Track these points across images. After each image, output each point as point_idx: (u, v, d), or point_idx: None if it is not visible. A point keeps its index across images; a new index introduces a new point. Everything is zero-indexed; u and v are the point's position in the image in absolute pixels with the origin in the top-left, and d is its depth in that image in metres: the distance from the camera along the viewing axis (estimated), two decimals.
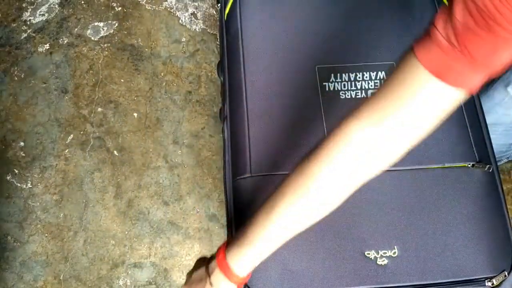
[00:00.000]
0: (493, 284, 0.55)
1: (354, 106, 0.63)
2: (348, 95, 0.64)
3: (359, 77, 0.65)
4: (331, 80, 0.65)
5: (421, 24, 0.69)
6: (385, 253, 0.56)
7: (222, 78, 0.74)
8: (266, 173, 0.60)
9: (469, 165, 0.60)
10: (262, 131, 0.63)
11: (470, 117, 0.64)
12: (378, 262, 0.56)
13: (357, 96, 0.64)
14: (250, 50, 0.67)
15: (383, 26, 0.69)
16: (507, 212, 0.60)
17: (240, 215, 0.60)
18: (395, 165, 0.59)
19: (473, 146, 0.62)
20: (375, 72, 0.65)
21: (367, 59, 0.66)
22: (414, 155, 0.60)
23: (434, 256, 0.56)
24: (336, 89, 0.65)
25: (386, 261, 0.56)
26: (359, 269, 0.55)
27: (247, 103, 0.64)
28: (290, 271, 0.56)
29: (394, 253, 0.56)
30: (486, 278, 0.55)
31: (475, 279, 0.55)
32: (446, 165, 0.60)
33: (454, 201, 0.58)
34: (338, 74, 0.65)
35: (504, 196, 0.61)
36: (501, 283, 0.55)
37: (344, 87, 0.65)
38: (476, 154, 0.61)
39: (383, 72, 0.65)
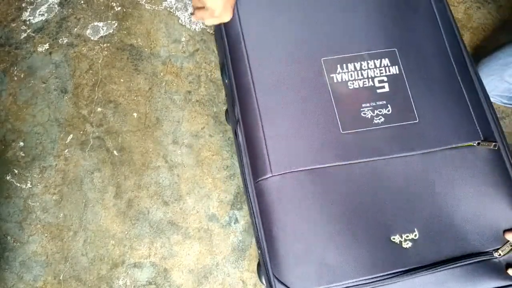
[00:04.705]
0: (499, 254, 0.58)
1: (362, 95, 0.64)
2: (356, 85, 0.66)
3: (365, 66, 0.66)
4: (337, 71, 0.66)
5: (415, 12, 0.71)
6: (408, 236, 0.58)
7: (227, 81, 0.74)
8: (287, 171, 0.61)
9: (474, 144, 0.62)
10: (277, 129, 0.64)
11: (470, 96, 0.65)
12: (403, 246, 0.58)
13: (365, 85, 0.66)
14: (254, 50, 0.68)
15: (381, 15, 0.70)
16: None
17: (267, 215, 0.61)
18: (406, 150, 0.61)
19: (476, 124, 0.64)
20: (379, 60, 0.67)
21: (369, 48, 0.67)
22: (423, 139, 0.63)
23: (448, 235, 0.59)
24: (343, 79, 0.66)
25: (409, 244, 0.58)
26: (388, 254, 0.58)
27: (258, 103, 0.65)
28: (326, 265, 0.57)
29: (415, 235, 0.59)
30: (494, 250, 0.59)
31: (483, 252, 0.58)
32: (454, 145, 0.62)
33: (463, 180, 0.61)
34: (344, 65, 0.67)
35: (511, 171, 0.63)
36: (508, 252, 0.59)
37: (351, 77, 0.66)
38: (480, 132, 0.63)
39: (386, 59, 0.67)
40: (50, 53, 1.10)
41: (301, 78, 0.66)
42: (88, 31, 1.13)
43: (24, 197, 0.99)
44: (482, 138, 0.63)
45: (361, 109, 0.64)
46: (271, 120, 0.64)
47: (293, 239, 0.59)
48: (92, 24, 1.13)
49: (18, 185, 1.00)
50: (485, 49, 1.14)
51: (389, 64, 0.66)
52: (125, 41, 1.11)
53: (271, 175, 0.61)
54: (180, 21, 1.14)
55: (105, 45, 1.11)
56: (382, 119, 0.63)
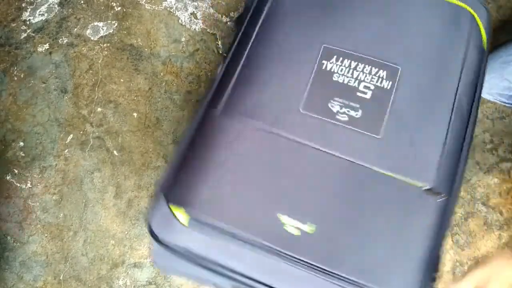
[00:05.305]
0: None
1: (340, 90, 0.64)
2: (340, 80, 0.65)
3: (359, 68, 0.65)
4: (331, 61, 0.66)
5: (442, 40, 0.68)
6: (297, 224, 0.58)
7: (237, 29, 0.77)
8: (235, 114, 0.64)
9: (423, 188, 0.59)
10: (248, 80, 0.67)
11: (450, 147, 0.62)
12: (286, 228, 0.57)
13: (349, 84, 0.65)
14: (274, 11, 0.71)
15: (401, 29, 0.68)
16: (442, 249, 0.58)
17: (195, 144, 0.65)
18: (352, 156, 0.60)
19: (438, 171, 0.60)
20: (376, 69, 0.65)
21: (374, 54, 0.66)
22: (375, 155, 0.60)
23: (346, 250, 0.57)
24: (332, 70, 0.66)
25: (295, 232, 0.57)
26: (269, 226, 0.58)
27: (249, 50, 0.68)
28: (217, 195, 0.60)
29: (308, 228, 0.57)
30: None
31: (359, 285, 0.55)
32: (398, 176, 0.59)
33: (391, 214, 0.58)
34: (341, 58, 0.66)
35: (446, 231, 0.59)
36: None
37: (341, 71, 0.66)
38: (435, 179, 0.59)
39: (384, 72, 0.65)
40: (50, 53, 1.10)
41: (294, 52, 0.67)
42: (88, 31, 1.13)
43: (24, 197, 0.99)
44: (432, 186, 0.59)
45: (331, 101, 0.64)
46: (249, 71, 0.67)
47: (203, 169, 0.62)
48: (92, 24, 1.13)
49: (18, 185, 1.00)
50: None
51: (384, 77, 0.65)
52: (125, 41, 1.11)
53: (221, 111, 0.65)
54: (180, 21, 1.14)
55: (105, 45, 1.11)
56: (346, 118, 0.63)
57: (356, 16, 0.69)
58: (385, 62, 0.65)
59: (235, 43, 0.71)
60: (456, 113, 0.64)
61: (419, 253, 0.57)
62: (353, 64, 0.66)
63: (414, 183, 0.59)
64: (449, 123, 0.63)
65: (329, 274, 0.56)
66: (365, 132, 0.62)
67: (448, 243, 0.92)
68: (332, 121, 0.62)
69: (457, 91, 0.65)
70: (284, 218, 0.58)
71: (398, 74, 0.65)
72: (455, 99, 0.64)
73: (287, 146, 0.62)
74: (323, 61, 0.66)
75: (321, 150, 0.61)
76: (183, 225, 0.60)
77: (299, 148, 0.62)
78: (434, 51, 0.67)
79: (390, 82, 0.64)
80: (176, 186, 0.63)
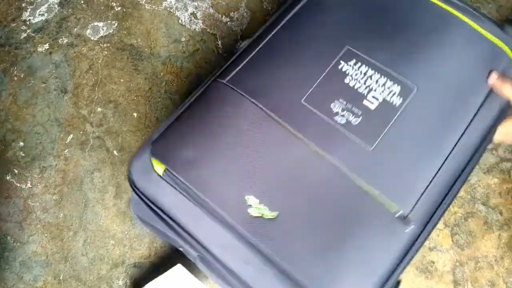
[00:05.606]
0: None
1: (347, 93, 0.64)
2: (351, 84, 0.64)
3: (374, 77, 0.64)
4: (348, 63, 0.65)
5: (468, 74, 0.65)
6: (260, 209, 0.57)
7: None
8: (238, 89, 0.65)
9: (397, 212, 0.58)
10: (264, 59, 0.67)
11: (439, 180, 0.60)
12: (249, 211, 0.57)
13: (358, 89, 0.64)
14: (310, 3, 0.72)
15: (431, 52, 0.66)
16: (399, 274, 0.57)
17: (195, 109, 0.67)
18: (339, 160, 0.59)
19: (418, 201, 0.58)
20: (391, 82, 0.64)
21: (394, 68, 0.65)
22: (361, 165, 0.59)
23: (298, 246, 0.56)
24: (346, 72, 0.65)
25: (257, 215, 0.57)
26: (234, 206, 0.58)
27: (274, 33, 0.70)
28: (197, 160, 0.60)
29: (273, 216, 0.57)
30: None
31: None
32: (376, 193, 0.58)
33: (358, 227, 0.57)
34: (359, 63, 0.65)
35: (409, 261, 0.57)
36: None
37: (355, 75, 0.64)
38: (413, 208, 0.58)
39: (399, 87, 0.63)
40: (50, 53, 1.10)
41: (316, 47, 0.67)
42: (88, 31, 1.13)
43: (24, 197, 0.99)
44: (406, 215, 0.57)
45: (334, 101, 0.63)
46: (266, 53, 0.68)
47: (192, 133, 0.63)
48: (92, 24, 1.13)
49: (18, 185, 1.00)
50: None
51: (396, 93, 0.63)
52: (125, 41, 1.11)
53: (226, 83, 0.66)
54: (180, 21, 1.14)
55: (105, 45, 1.11)
56: (344, 121, 0.62)
57: (392, 29, 0.68)
58: (402, 79, 0.64)
59: (265, 26, 0.72)
60: (458, 149, 0.62)
61: (374, 274, 0.55)
62: (370, 72, 0.64)
63: (390, 205, 0.58)
64: (447, 157, 0.61)
65: (274, 264, 0.55)
66: (359, 140, 0.61)
67: (448, 243, 0.92)
68: (328, 119, 0.62)
69: (467, 128, 0.63)
70: (252, 200, 0.58)
71: (412, 94, 0.63)
72: (462, 135, 0.62)
73: (278, 132, 0.61)
74: (341, 61, 0.65)
75: (308, 145, 0.61)
76: (158, 174, 0.62)
77: (289, 137, 0.61)
78: (457, 82, 0.65)
79: (401, 100, 0.63)
80: (162, 142, 0.64)
